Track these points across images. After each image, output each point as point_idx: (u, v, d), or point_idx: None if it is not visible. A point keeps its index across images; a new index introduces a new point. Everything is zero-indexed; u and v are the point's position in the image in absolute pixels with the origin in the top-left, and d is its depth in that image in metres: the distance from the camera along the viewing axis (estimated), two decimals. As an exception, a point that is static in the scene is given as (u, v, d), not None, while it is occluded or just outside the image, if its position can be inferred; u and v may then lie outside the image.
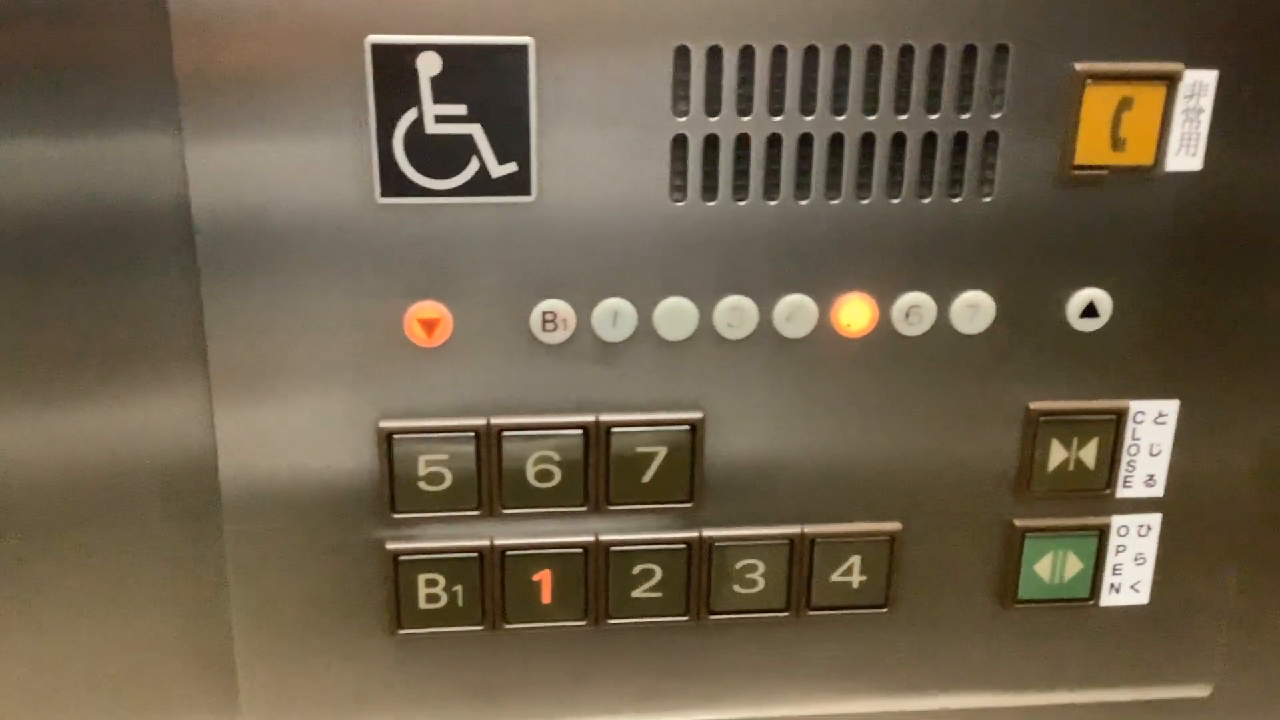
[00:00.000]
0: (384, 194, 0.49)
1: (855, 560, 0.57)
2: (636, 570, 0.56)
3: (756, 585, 0.57)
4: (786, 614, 0.58)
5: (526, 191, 0.50)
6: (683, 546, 0.56)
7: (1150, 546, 0.58)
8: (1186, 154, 0.51)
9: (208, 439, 0.53)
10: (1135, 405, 0.55)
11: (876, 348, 0.54)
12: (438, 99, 0.48)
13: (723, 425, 0.54)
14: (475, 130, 0.49)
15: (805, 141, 0.50)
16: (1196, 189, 0.52)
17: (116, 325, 0.51)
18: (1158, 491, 0.57)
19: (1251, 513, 0.58)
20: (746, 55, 0.49)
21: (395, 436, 0.53)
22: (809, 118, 0.50)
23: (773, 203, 0.51)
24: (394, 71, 0.47)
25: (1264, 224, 0.53)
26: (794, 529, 0.56)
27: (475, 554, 0.55)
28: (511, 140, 0.49)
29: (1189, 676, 0.61)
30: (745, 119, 0.50)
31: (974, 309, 0.53)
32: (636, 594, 0.57)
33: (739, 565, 0.57)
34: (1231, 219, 0.53)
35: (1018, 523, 0.57)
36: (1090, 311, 0.53)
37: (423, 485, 0.54)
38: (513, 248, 0.51)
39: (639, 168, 0.50)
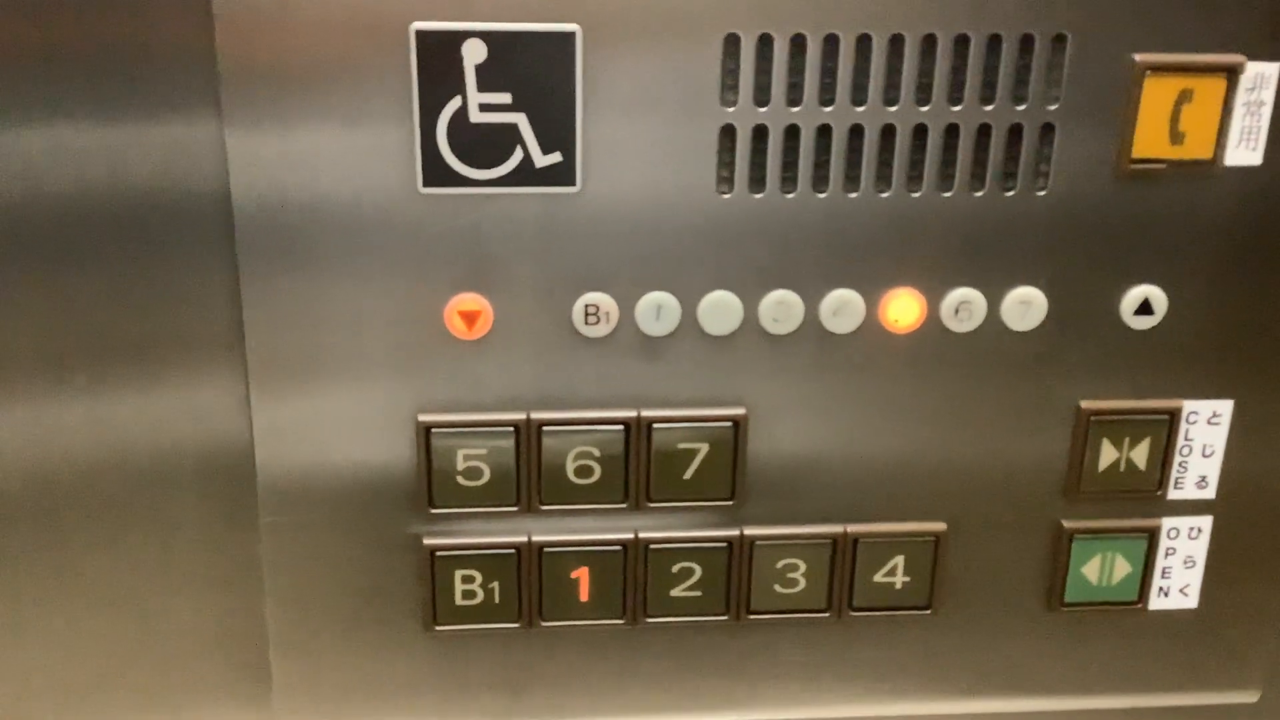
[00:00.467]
0: (426, 184, 0.48)
1: (899, 561, 0.56)
2: (676, 568, 0.55)
3: (798, 585, 0.56)
4: (828, 615, 0.57)
5: (571, 182, 0.49)
6: (723, 545, 0.55)
7: (1200, 550, 0.57)
8: (1247, 148, 0.50)
9: (244, 429, 0.52)
10: (1189, 405, 0.54)
11: (925, 344, 0.53)
12: (482, 87, 0.47)
13: (766, 422, 0.54)
14: (520, 119, 0.48)
15: (856, 133, 0.49)
16: (1256, 184, 0.51)
17: (155, 314, 0.50)
18: (1209, 494, 0.56)
19: (1304, 516, 0.57)
20: (798, 44, 0.48)
21: (434, 430, 0.52)
22: (860, 108, 0.49)
23: (821, 195, 0.50)
24: (438, 59, 0.47)
25: (1324, 221, 0.52)
26: (837, 528, 0.55)
27: (513, 550, 0.55)
28: (556, 130, 0.48)
29: (1236, 682, 0.60)
30: (795, 109, 0.49)
31: (1026, 305, 0.52)
32: (675, 593, 0.56)
33: (780, 564, 0.56)
34: (1293, 215, 0.51)
35: (1066, 524, 0.56)
36: (1145, 309, 0.52)
37: (461, 480, 0.53)
38: (556, 239, 0.50)
39: (685, 159, 0.49)
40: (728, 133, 0.49)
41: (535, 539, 0.55)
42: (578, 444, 0.53)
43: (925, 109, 0.49)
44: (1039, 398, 0.54)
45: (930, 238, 0.51)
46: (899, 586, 0.56)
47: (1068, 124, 0.49)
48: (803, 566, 0.56)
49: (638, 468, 0.53)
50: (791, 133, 0.49)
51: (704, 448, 0.53)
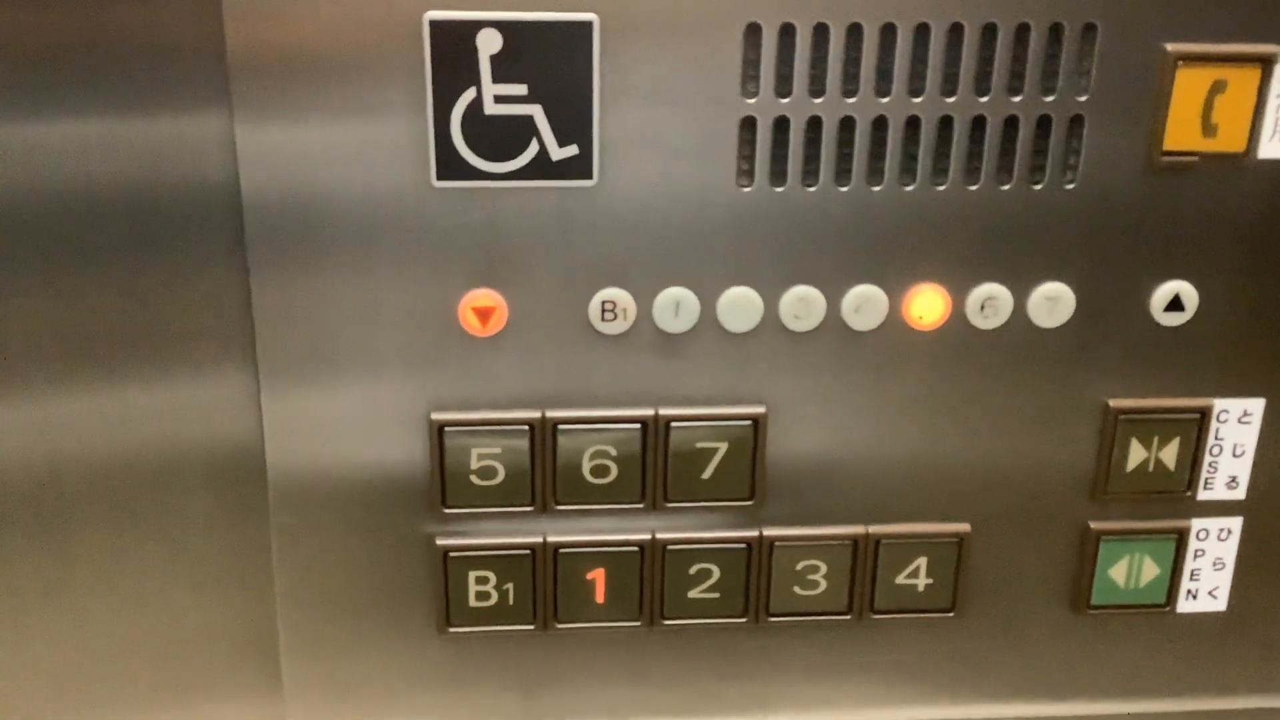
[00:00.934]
0: (440, 177, 0.47)
1: (921, 562, 0.55)
2: (694, 570, 0.55)
3: (818, 587, 0.55)
4: (849, 617, 0.56)
5: (588, 175, 0.48)
6: (742, 546, 0.54)
7: (1230, 551, 0.56)
8: (1281, 140, 0.49)
9: (255, 427, 0.52)
10: (1219, 404, 0.53)
11: (949, 341, 0.51)
12: (497, 78, 0.46)
13: (786, 420, 0.53)
14: (536, 111, 0.47)
15: (880, 125, 0.48)
16: (1291, 178, 0.50)
17: (164, 310, 0.50)
18: (1240, 494, 0.55)
19: (1337, 517, 0.56)
20: (820, 34, 0.47)
21: (447, 428, 0.51)
22: (884, 99, 0.48)
23: (844, 189, 0.49)
24: (453, 49, 0.46)
25: (1360, 215, 0.51)
26: (858, 529, 0.54)
27: (527, 551, 0.54)
28: (573, 121, 0.47)
29: (1268, 686, 0.59)
30: (817, 100, 0.48)
31: (1053, 302, 0.51)
32: (693, 594, 0.55)
33: (800, 566, 0.55)
34: (1328, 209, 0.50)
35: (1093, 525, 0.55)
36: (1175, 305, 0.51)
37: (475, 479, 0.52)
38: (572, 234, 0.49)
39: (705, 151, 0.48)
40: (748, 124, 0.48)
41: (550, 539, 0.54)
42: (594, 443, 0.52)
43: (951, 100, 0.48)
44: (1066, 396, 0.53)
45: (955, 232, 0.50)
46: (922, 589, 0.56)
47: (1097, 115, 0.48)
48: (823, 568, 0.55)
49: (655, 467, 0.53)
50: (814, 124, 0.48)
51: (723, 447, 0.52)
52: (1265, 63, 0.48)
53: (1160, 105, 0.48)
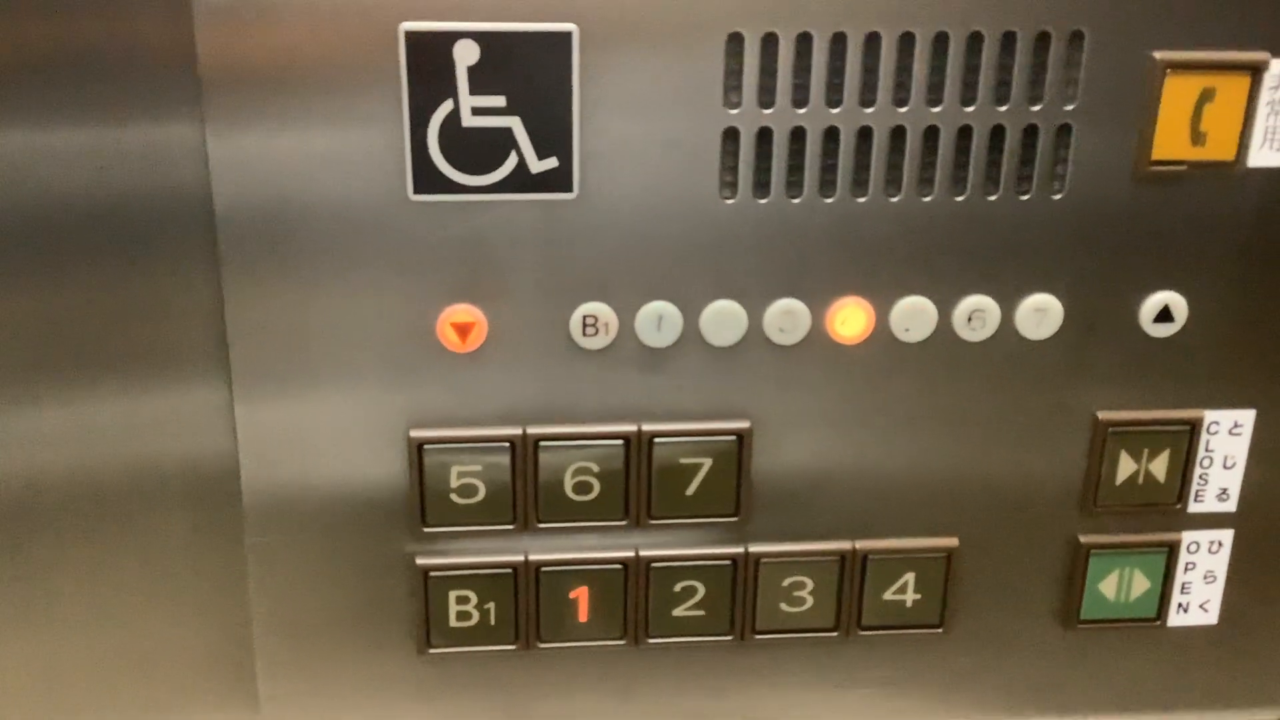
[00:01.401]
0: (417, 190, 0.47)
1: (909, 578, 0.54)
2: (678, 587, 0.54)
3: (805, 604, 0.54)
4: (836, 634, 0.55)
5: (568, 188, 0.47)
6: (727, 563, 0.54)
7: (1221, 564, 0.56)
8: (1271, 149, 0.48)
9: (230, 444, 0.51)
10: (1210, 415, 0.53)
11: (937, 354, 0.51)
12: (475, 90, 0.45)
13: (771, 436, 0.52)
14: (514, 123, 0.46)
15: (864, 135, 0.47)
16: (1281, 186, 0.49)
17: (136, 325, 0.49)
18: (1230, 506, 0.55)
19: (1328, 529, 0.56)
20: (803, 43, 0.46)
21: (426, 446, 0.50)
22: (869, 109, 0.47)
23: (829, 200, 0.48)
24: (429, 61, 0.45)
25: (1351, 224, 0.50)
26: (845, 544, 0.54)
27: (509, 570, 0.53)
28: (552, 133, 0.46)
29: (1259, 700, 0.59)
30: (801, 111, 0.47)
31: (1041, 313, 0.50)
32: (678, 612, 0.54)
33: (786, 582, 0.54)
34: (1319, 219, 0.50)
35: (1082, 539, 0.54)
36: (1164, 316, 0.51)
37: (455, 497, 0.51)
38: (552, 247, 0.48)
39: (687, 163, 0.47)
40: (731, 135, 0.47)
41: (532, 558, 0.53)
42: (576, 459, 0.51)
43: (937, 110, 0.47)
44: (1055, 408, 0.52)
45: (942, 243, 0.49)
46: (910, 604, 0.55)
47: (1085, 124, 0.48)
48: (810, 584, 0.54)
49: (638, 484, 0.52)
50: (797, 135, 0.47)
51: (707, 462, 0.52)
52: (1254, 70, 0.47)
53: (1148, 114, 0.47)
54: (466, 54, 0.45)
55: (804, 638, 0.55)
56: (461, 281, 0.48)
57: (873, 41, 0.46)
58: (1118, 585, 0.55)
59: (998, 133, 0.48)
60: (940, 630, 0.55)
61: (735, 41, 0.46)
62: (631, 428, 0.51)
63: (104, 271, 0.48)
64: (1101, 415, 0.52)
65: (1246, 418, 0.53)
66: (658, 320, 0.49)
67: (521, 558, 0.53)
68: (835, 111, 0.47)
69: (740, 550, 0.53)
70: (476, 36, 0.44)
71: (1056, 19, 0.46)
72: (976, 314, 0.50)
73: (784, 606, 0.54)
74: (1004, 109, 0.47)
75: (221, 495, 0.52)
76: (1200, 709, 0.59)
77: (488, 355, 0.50)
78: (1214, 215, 0.49)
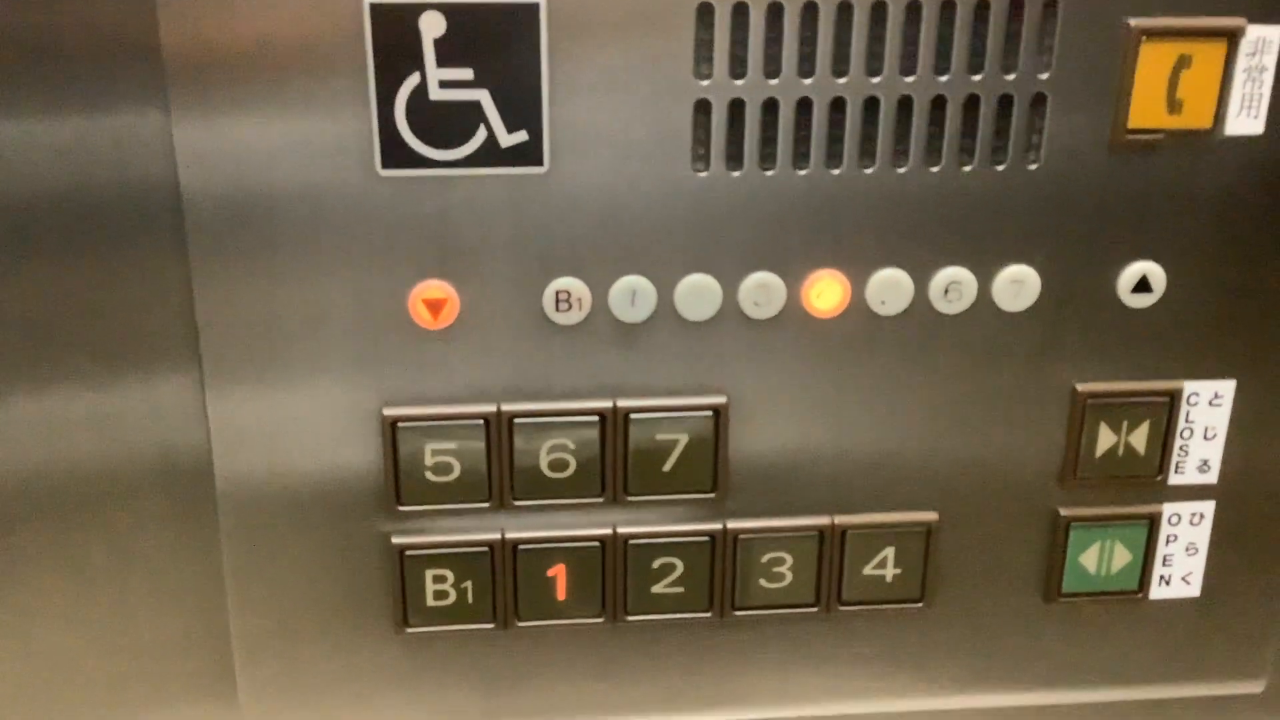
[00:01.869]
0: (385, 165, 0.46)
1: (889, 552, 0.54)
2: (656, 564, 0.54)
3: (784, 580, 0.54)
4: (816, 610, 0.55)
5: (538, 162, 0.47)
6: (705, 539, 0.53)
7: (1203, 536, 0.55)
8: (1248, 116, 0.48)
9: (202, 427, 0.50)
10: (1189, 386, 0.52)
11: (913, 327, 0.50)
12: (442, 63, 0.45)
13: (748, 411, 0.51)
14: (483, 96, 0.45)
15: (837, 106, 0.47)
16: (1258, 154, 0.49)
17: (106, 312, 0.48)
18: (1211, 478, 0.54)
19: (1310, 500, 0.55)
20: (774, 13, 0.45)
21: (400, 424, 0.50)
22: (841, 80, 0.46)
23: (802, 172, 0.48)
24: (395, 34, 0.44)
25: (1330, 192, 0.50)
26: (824, 520, 0.53)
27: (486, 548, 0.53)
28: (521, 107, 0.46)
29: (1241, 672, 0.59)
30: (772, 82, 0.46)
31: (1018, 285, 0.50)
32: (656, 589, 0.54)
33: (765, 559, 0.54)
34: (1297, 186, 0.49)
35: (1063, 512, 0.54)
36: (1143, 286, 0.50)
37: (430, 476, 0.51)
38: (523, 222, 0.48)
39: (659, 135, 0.47)
40: (702, 107, 0.46)
41: (509, 536, 0.53)
42: (551, 437, 0.51)
43: (910, 79, 0.47)
44: (1033, 381, 0.52)
45: (917, 215, 0.49)
46: (890, 579, 0.55)
47: (1060, 93, 0.47)
48: (789, 560, 0.54)
49: (615, 460, 0.51)
50: (769, 107, 0.47)
51: (684, 438, 0.51)
52: (1231, 36, 0.47)
53: (1124, 82, 0.47)
54: (433, 26, 0.44)
55: (784, 614, 0.55)
56: (432, 258, 0.48)
57: (845, 11, 0.46)
58: (1099, 558, 0.55)
59: (972, 102, 0.47)
60: (921, 605, 0.55)
61: (706, 12, 0.45)
62: (607, 404, 0.51)
63: (73, 262, 0.47)
64: (1080, 387, 0.52)
65: (1227, 388, 0.53)
66: (631, 295, 0.49)
67: (498, 536, 0.52)
68: (808, 82, 0.46)
69: (718, 526, 0.53)
70: (443, 8, 0.44)
71: (1030, -14, 0.46)
72: (953, 286, 0.50)
73: (763, 583, 0.54)
74: (978, 78, 0.47)
75: (195, 482, 0.51)
76: (1182, 681, 0.58)
77: (460, 332, 0.49)
78: (1191, 184, 0.49)
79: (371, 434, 0.50)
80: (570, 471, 0.51)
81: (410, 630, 0.54)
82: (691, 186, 0.48)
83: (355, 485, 0.51)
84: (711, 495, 0.52)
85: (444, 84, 0.45)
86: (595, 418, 0.51)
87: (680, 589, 0.54)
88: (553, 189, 0.47)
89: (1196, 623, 0.57)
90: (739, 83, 0.46)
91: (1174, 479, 0.54)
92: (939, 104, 0.47)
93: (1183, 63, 0.47)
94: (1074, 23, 0.46)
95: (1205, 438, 0.53)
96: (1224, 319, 0.51)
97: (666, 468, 0.52)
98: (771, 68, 0.46)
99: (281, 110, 0.45)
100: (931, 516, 0.54)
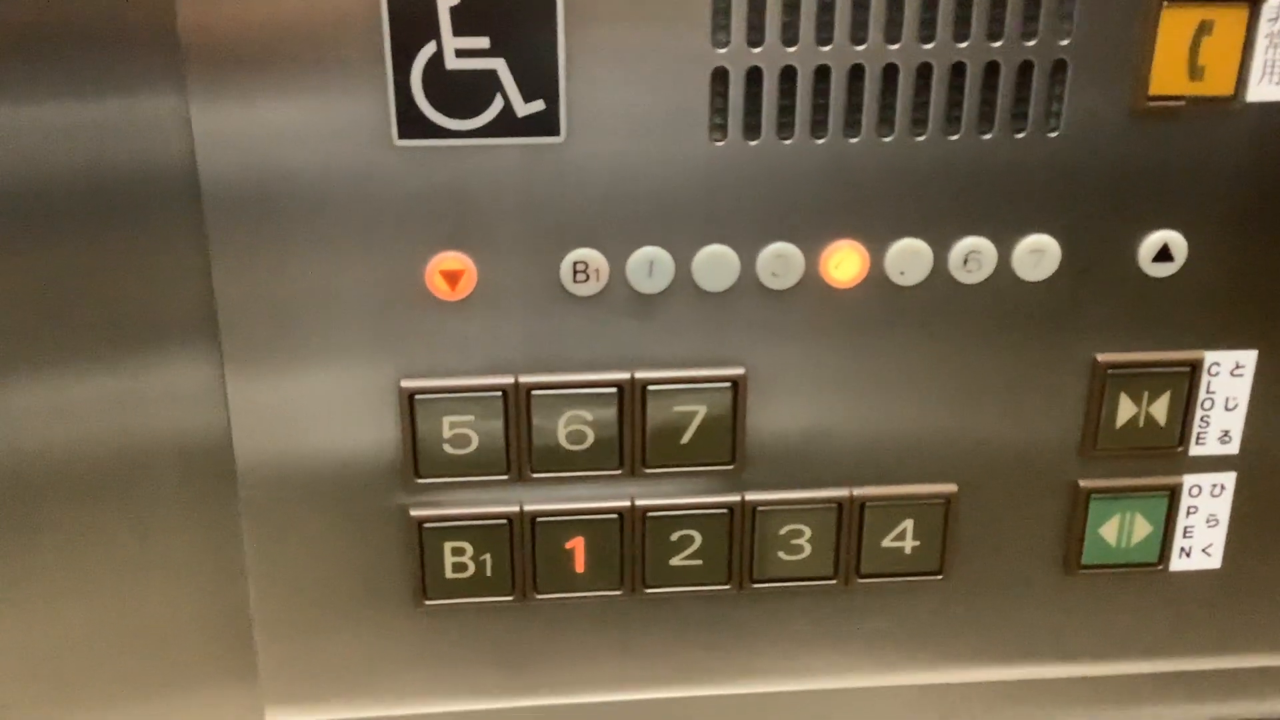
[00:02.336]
0: (401, 136, 0.46)
1: (908, 525, 0.54)
2: (675, 537, 0.53)
3: (803, 552, 0.54)
4: (834, 582, 0.55)
5: (555, 131, 0.46)
6: (724, 511, 0.53)
7: (1224, 508, 0.55)
8: (1270, 83, 0.47)
9: (222, 406, 0.50)
10: (1210, 356, 0.52)
11: (932, 297, 0.50)
12: (458, 31, 0.44)
13: (766, 382, 0.51)
14: (499, 65, 0.45)
15: (856, 74, 0.46)
16: (1280, 121, 0.48)
17: (124, 293, 0.48)
18: (1233, 449, 0.54)
19: (1332, 471, 0.55)
20: (792, -21, 0.45)
21: (418, 397, 0.50)
22: (860, 47, 0.46)
23: (820, 141, 0.47)
24: (410, 2, 0.44)
25: (1353, 159, 0.49)
26: (842, 492, 0.53)
27: (504, 521, 0.52)
28: (538, 76, 0.45)
29: (1263, 645, 0.58)
30: (791, 49, 0.46)
31: (1038, 254, 0.49)
32: (675, 562, 0.54)
33: (784, 531, 0.54)
34: (1320, 153, 0.49)
35: (1082, 483, 0.54)
36: (1164, 255, 0.50)
37: (448, 448, 0.51)
38: (540, 192, 0.47)
39: (676, 104, 0.46)
40: (720, 76, 0.46)
41: (527, 508, 0.52)
42: (569, 408, 0.51)
43: (929, 47, 0.46)
44: (1053, 351, 0.51)
45: (936, 184, 0.48)
46: (909, 551, 0.54)
47: (1080, 60, 0.47)
48: (808, 532, 0.54)
49: (633, 432, 0.51)
50: (788, 74, 0.46)
51: (702, 410, 0.51)
52: (1253, 1, 0.46)
53: (1145, 48, 0.47)
54: (449, -5, 0.44)
55: (802, 586, 0.55)
56: (449, 229, 0.48)
57: (863, -23, 0.45)
58: (1119, 530, 0.55)
59: (992, 70, 0.47)
60: (940, 577, 0.55)
61: (723, -22, 0.45)
62: (625, 375, 0.50)
63: (93, 245, 0.47)
64: (1100, 357, 0.51)
65: (1248, 358, 0.52)
66: (649, 266, 0.49)
67: (516, 508, 0.52)
68: (826, 49, 0.46)
69: (737, 499, 0.53)
70: (459, -23, 0.44)
71: (1050, -49, 0.45)
72: (972, 256, 0.49)
73: (782, 555, 0.54)
74: (998, 45, 0.46)
75: (215, 459, 0.51)
76: (1203, 654, 0.58)
77: (478, 303, 0.49)
78: (1213, 151, 0.48)
79: (389, 407, 0.50)
80: (588, 443, 0.51)
81: (429, 603, 0.54)
82: (709, 156, 0.47)
83: (373, 459, 0.51)
84: (730, 467, 0.52)
85: (460, 53, 0.45)
86: (613, 389, 0.51)
87: (699, 561, 0.54)
88: (570, 159, 0.47)
89: (1217, 595, 0.57)
90: (756, 50, 0.46)
91: (1195, 450, 0.54)
92: (958, 71, 0.47)
93: (1204, 29, 0.46)
94: (1094, -12, 0.46)
95: (1226, 408, 0.53)
96: (1246, 288, 0.51)
97: (685, 440, 0.52)
98: (789, 35, 0.46)
99: (297, 83, 0.45)
100: (950, 488, 0.53)
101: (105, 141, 0.46)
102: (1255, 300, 0.51)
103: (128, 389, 0.50)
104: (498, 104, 0.46)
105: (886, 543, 0.54)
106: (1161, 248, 0.50)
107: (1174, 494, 0.54)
